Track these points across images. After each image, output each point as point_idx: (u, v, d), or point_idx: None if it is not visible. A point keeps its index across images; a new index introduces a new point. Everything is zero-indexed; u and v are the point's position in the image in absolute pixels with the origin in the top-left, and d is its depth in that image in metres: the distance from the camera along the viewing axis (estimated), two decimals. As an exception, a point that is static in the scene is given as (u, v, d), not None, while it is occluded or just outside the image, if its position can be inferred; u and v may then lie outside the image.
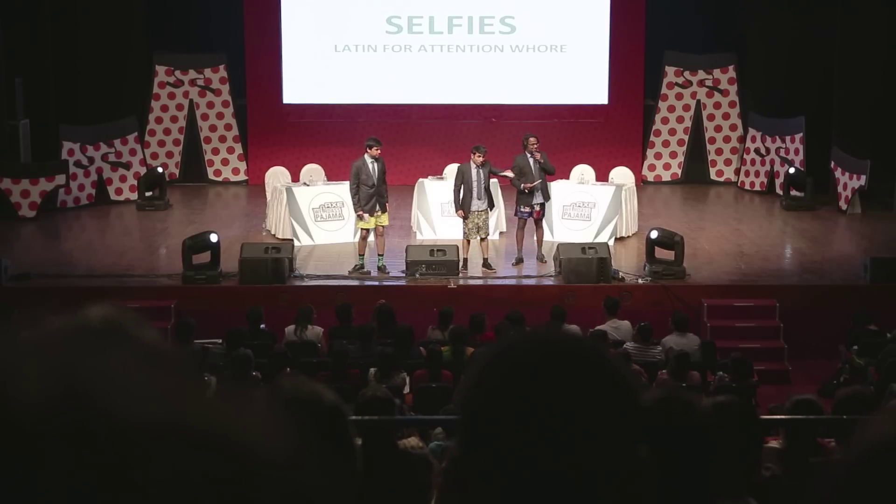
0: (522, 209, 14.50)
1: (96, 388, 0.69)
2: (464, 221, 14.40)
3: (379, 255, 14.37)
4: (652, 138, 20.69)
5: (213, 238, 14.21)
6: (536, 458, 1.18)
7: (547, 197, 14.65)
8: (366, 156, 14.13)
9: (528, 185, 14.28)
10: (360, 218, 14.23)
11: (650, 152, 20.71)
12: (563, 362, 1.23)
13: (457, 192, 14.32)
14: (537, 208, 14.50)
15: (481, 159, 14.24)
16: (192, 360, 0.77)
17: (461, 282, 14.07)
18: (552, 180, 15.65)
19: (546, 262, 14.63)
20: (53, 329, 0.76)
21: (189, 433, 0.70)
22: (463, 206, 14.29)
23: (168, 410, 0.70)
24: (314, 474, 0.75)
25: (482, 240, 14.34)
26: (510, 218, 15.67)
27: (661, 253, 14.42)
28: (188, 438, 0.70)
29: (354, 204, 14.30)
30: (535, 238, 14.81)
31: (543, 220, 15.14)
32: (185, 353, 0.78)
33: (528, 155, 14.38)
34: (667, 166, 20.74)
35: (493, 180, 15.05)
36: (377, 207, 14.14)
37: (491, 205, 14.41)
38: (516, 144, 15.31)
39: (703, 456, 2.02)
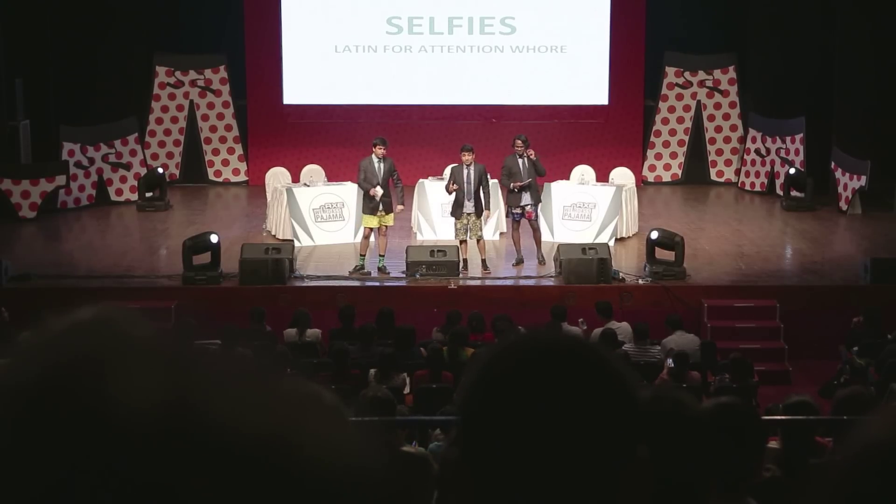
0: (513, 210, 14.47)
1: (203, 397, 0.70)
2: (455, 223, 14.41)
3: (380, 255, 14.37)
4: (652, 139, 20.69)
5: (214, 239, 14.20)
6: (535, 459, 1.18)
7: (537, 199, 14.60)
8: (372, 155, 14.15)
9: (517, 183, 14.24)
10: (372, 197, 14.04)
11: (650, 153, 20.71)
12: (563, 363, 1.23)
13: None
14: (528, 209, 14.43)
15: (470, 158, 14.19)
16: (284, 369, 0.78)
17: (461, 282, 14.07)
18: (549, 181, 15.64)
19: (545, 263, 14.60)
20: (162, 333, 0.75)
21: (291, 448, 0.70)
22: (454, 208, 14.28)
23: (270, 423, 0.71)
24: (399, 492, 0.76)
25: (479, 240, 14.32)
26: (510, 218, 15.66)
27: (662, 253, 14.41)
28: (290, 453, 0.70)
29: (364, 189, 14.16)
30: (533, 240, 14.76)
31: (542, 221, 15.11)
32: (276, 361, 0.79)
33: (517, 156, 14.36)
34: (667, 167, 20.74)
35: (493, 181, 15.03)
36: (381, 207, 14.13)
37: (479, 211, 14.35)
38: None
39: (696, 455, 2.02)
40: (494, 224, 16.02)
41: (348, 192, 15.79)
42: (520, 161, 14.31)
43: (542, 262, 14.65)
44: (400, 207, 14.36)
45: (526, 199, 14.37)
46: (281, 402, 0.73)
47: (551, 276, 14.28)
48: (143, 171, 19.28)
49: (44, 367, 0.70)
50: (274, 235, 16.20)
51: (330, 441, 0.73)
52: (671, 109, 20.68)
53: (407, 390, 10.39)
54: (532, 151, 14.34)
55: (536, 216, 14.67)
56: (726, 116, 20.65)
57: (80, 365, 0.70)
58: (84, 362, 0.70)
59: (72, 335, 0.73)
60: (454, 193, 14.23)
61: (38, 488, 0.66)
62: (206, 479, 0.67)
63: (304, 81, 20.15)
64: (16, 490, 0.66)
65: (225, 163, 20.66)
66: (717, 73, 20.58)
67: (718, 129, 20.66)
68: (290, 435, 0.71)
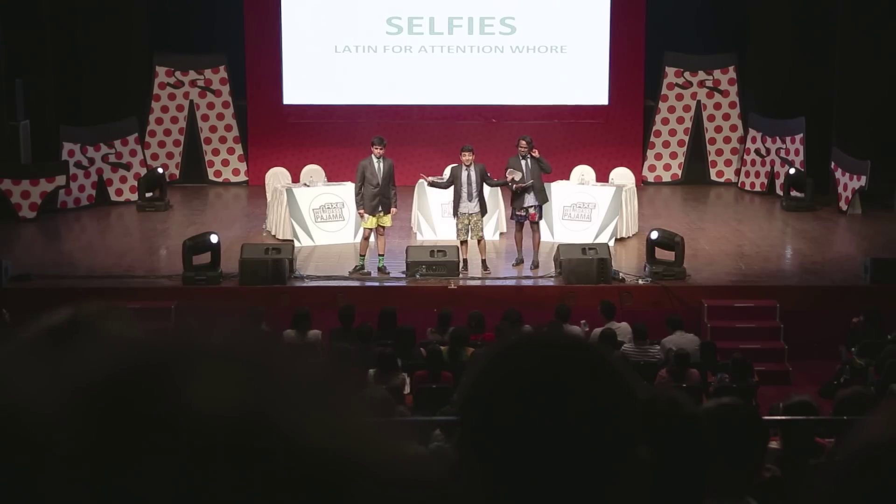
0: (517, 212, 14.45)
1: (279, 410, 0.67)
2: (456, 223, 14.42)
3: (380, 255, 14.37)
4: (652, 139, 20.68)
5: (214, 239, 14.21)
6: (536, 460, 1.18)
7: (543, 199, 14.58)
8: (372, 155, 14.17)
9: (520, 185, 14.22)
10: (361, 217, 14.29)
11: (650, 153, 20.70)
12: (563, 364, 1.22)
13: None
14: (532, 210, 14.40)
15: (470, 158, 14.20)
16: (352, 378, 0.75)
17: (461, 282, 14.07)
18: (549, 180, 15.61)
19: (538, 268, 14.55)
20: (236, 336, 0.72)
21: (364, 469, 0.68)
22: (454, 208, 14.29)
23: (346, 445, 0.68)
24: None
25: (479, 241, 14.32)
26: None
27: (662, 254, 14.41)
28: (366, 479, 0.67)
29: (357, 203, 14.34)
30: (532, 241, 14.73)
31: (542, 222, 15.09)
32: (344, 372, 0.75)
33: (520, 157, 14.34)
34: (667, 167, 20.74)
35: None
36: (380, 207, 14.12)
37: (484, 210, 14.35)
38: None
39: (691, 454, 2.02)
40: (494, 224, 16.02)
41: (348, 193, 15.78)
42: (523, 162, 14.30)
43: (535, 266, 14.60)
44: (394, 210, 14.42)
45: (529, 200, 14.34)
46: (357, 421, 0.70)
47: (551, 276, 14.27)
48: (143, 171, 19.28)
49: (112, 367, 0.67)
50: (274, 235, 16.20)
51: (405, 467, 0.70)
52: (671, 109, 20.68)
53: (407, 390, 10.39)
54: (536, 151, 14.32)
55: (540, 218, 14.64)
56: (726, 116, 20.64)
57: (150, 367, 0.67)
58: (155, 364, 0.67)
59: (142, 336, 0.71)
60: (454, 193, 14.23)
61: (98, 496, 0.63)
62: (275, 495, 0.64)
63: (304, 81, 20.15)
64: (76, 496, 0.63)
65: (225, 163, 20.66)
66: (717, 73, 20.58)
67: (718, 129, 20.66)
68: (366, 459, 0.68)
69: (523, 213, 14.40)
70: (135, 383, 0.66)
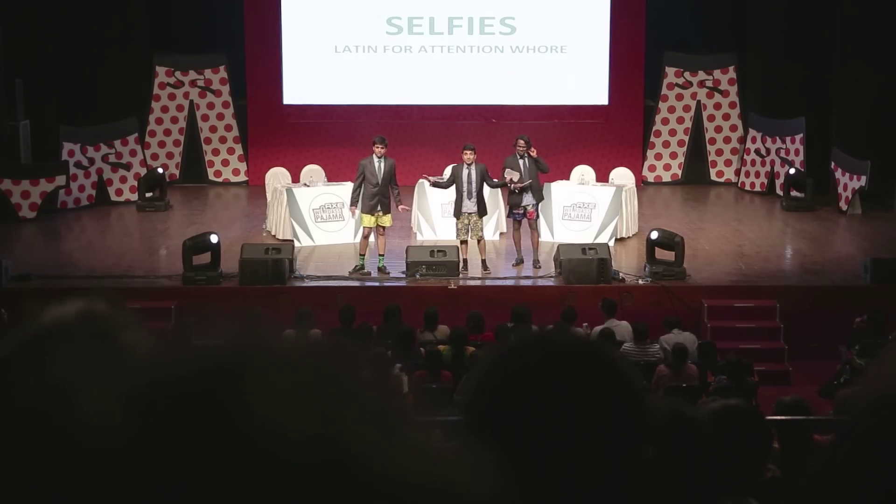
0: (514, 211, 14.45)
1: (356, 435, 0.61)
2: (456, 222, 14.43)
3: (380, 255, 14.37)
4: (652, 139, 20.68)
5: (214, 239, 14.20)
6: (542, 460, 1.18)
7: (539, 198, 14.58)
8: (373, 155, 14.17)
9: (517, 184, 14.21)
10: (352, 213, 14.33)
11: (650, 153, 20.70)
12: (568, 364, 1.22)
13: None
14: (529, 209, 14.40)
15: (471, 156, 14.19)
16: (405, 403, 0.70)
17: (461, 282, 14.07)
18: (549, 180, 15.61)
19: (540, 267, 14.55)
20: (306, 343, 0.66)
21: (439, 498, 0.63)
22: (455, 208, 14.30)
23: (417, 469, 0.63)
24: None
25: (479, 241, 14.31)
26: (510, 218, 15.66)
27: (662, 254, 14.41)
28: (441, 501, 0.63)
29: (352, 199, 14.35)
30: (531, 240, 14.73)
31: (541, 222, 15.08)
32: (400, 395, 0.69)
33: (518, 156, 14.34)
34: (667, 167, 20.74)
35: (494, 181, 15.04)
36: (379, 207, 14.12)
37: (482, 212, 14.35)
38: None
39: (710, 472, 2.02)
40: (494, 224, 16.02)
41: (348, 192, 15.77)
42: (520, 161, 14.30)
43: (537, 265, 14.60)
44: (403, 207, 14.44)
45: (527, 199, 14.34)
46: (424, 445, 0.65)
47: (551, 276, 14.27)
48: (143, 171, 19.28)
49: (168, 375, 0.61)
50: (274, 235, 16.20)
51: (465, 490, 0.65)
52: (671, 109, 20.68)
53: (406, 390, 10.38)
54: (534, 150, 14.32)
55: (537, 216, 14.65)
56: (726, 116, 20.64)
57: (212, 376, 0.61)
58: (219, 373, 0.61)
59: (199, 341, 0.65)
60: (456, 193, 14.24)
61: None
62: None
63: (304, 81, 20.15)
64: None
65: (225, 163, 20.66)
66: (717, 74, 20.58)
67: (718, 129, 20.66)
68: (448, 489, 0.63)
69: (520, 212, 14.41)
70: (194, 393, 0.60)
